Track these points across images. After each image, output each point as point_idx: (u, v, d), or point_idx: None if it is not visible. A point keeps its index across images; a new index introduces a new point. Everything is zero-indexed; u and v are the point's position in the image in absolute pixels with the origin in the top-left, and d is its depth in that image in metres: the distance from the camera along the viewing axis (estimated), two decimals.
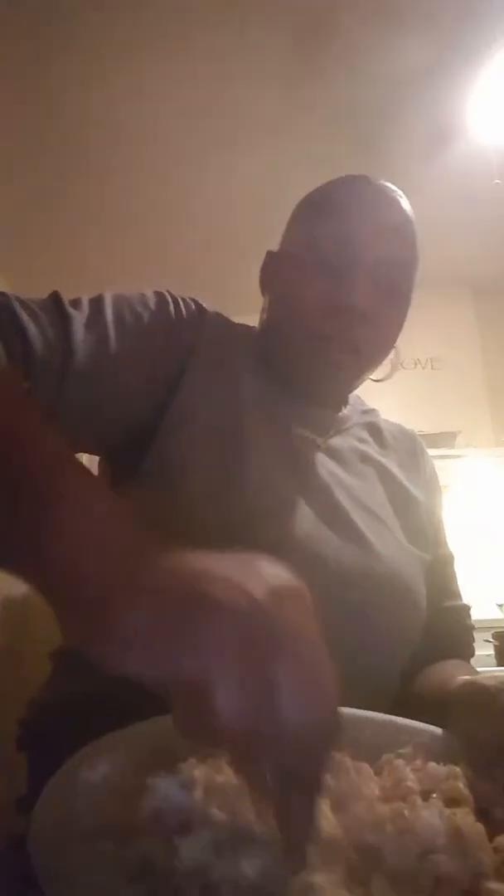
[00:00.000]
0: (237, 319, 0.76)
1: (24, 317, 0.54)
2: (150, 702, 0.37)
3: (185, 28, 1.87)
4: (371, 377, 0.78)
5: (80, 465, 0.35)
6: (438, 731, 0.48)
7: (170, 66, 1.99)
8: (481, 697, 0.48)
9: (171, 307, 0.68)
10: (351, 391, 0.79)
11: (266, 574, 0.31)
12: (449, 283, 2.79)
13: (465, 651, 0.74)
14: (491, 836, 0.36)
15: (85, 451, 0.66)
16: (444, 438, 2.74)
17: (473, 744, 0.46)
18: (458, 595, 0.78)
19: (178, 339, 0.67)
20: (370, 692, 0.62)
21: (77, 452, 0.52)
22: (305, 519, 0.63)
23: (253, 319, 0.78)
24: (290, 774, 0.29)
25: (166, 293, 0.69)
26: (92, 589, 0.29)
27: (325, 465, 0.70)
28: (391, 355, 0.77)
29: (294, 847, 0.29)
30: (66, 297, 0.60)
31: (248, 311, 0.79)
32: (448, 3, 1.78)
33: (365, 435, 0.80)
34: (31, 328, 0.54)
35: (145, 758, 0.39)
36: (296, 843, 0.29)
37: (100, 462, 0.69)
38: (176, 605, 0.28)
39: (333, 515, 0.66)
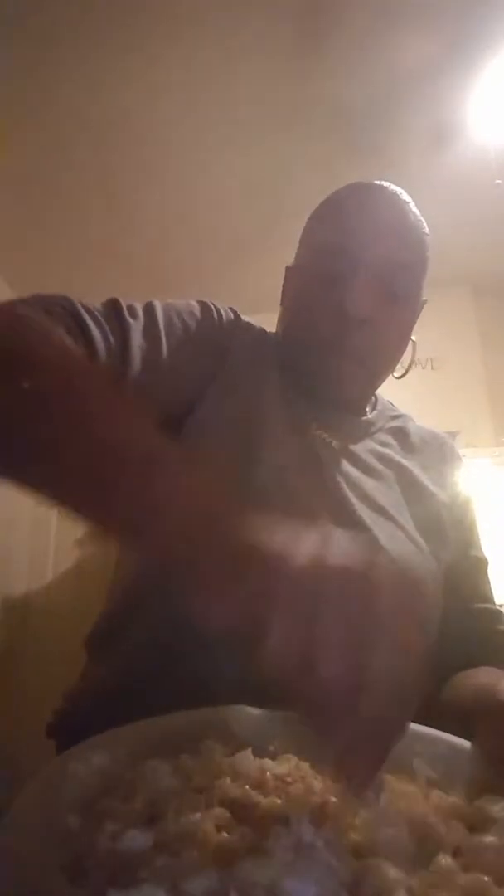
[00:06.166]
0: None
1: (91, 324, 0.58)
2: (175, 693, 0.38)
3: (185, 25, 1.87)
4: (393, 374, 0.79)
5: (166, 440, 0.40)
6: (457, 741, 0.45)
7: (170, 63, 1.99)
8: (497, 708, 0.46)
9: (214, 315, 0.72)
10: (366, 396, 0.80)
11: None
12: (449, 283, 2.78)
13: (497, 656, 0.70)
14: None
15: None
16: None
17: (492, 760, 0.42)
18: (489, 599, 0.76)
19: (217, 342, 0.71)
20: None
21: None
22: (309, 512, 0.63)
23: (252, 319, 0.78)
24: (369, 721, 0.30)
25: (209, 302, 0.73)
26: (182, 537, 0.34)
27: (339, 466, 0.70)
28: (410, 350, 0.78)
29: (358, 786, 0.32)
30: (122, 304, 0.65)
31: (247, 311, 0.79)
32: (448, 3, 1.77)
33: (389, 439, 0.80)
34: (97, 335, 0.58)
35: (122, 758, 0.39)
36: (361, 782, 0.32)
37: None
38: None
39: (339, 511, 0.66)
